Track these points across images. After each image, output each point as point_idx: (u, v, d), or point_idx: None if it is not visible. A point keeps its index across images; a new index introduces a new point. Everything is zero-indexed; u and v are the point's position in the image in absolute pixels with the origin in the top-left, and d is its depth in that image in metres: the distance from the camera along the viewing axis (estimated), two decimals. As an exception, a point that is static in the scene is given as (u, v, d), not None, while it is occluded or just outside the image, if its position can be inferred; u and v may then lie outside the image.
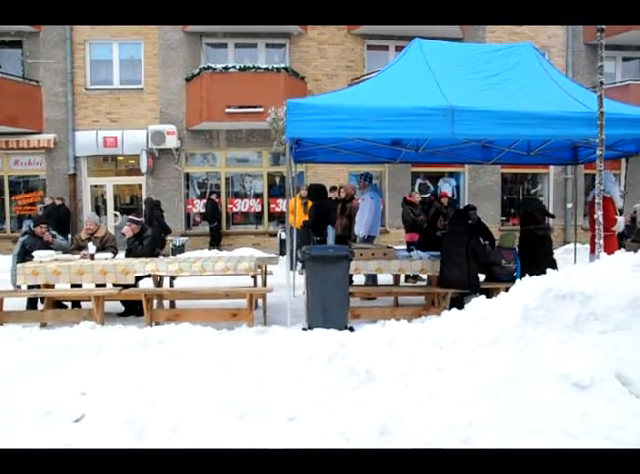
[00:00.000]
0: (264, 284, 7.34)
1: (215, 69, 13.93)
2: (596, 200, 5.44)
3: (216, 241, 14.36)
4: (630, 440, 3.06)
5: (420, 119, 5.59)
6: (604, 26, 5.25)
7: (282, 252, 12.16)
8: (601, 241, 5.27)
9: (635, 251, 4.49)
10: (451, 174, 16.42)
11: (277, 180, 15.62)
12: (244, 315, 6.22)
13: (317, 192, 9.47)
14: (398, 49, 13.89)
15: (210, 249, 13.58)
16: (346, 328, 5.51)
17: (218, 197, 15.02)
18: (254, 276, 7.14)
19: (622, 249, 6.18)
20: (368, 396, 3.27)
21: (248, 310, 6.23)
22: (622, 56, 16.96)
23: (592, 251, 7.01)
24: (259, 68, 13.98)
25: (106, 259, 6.85)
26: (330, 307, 5.58)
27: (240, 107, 13.83)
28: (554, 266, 6.38)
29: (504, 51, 7.03)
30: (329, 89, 13.53)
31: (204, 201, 14.87)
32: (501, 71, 6.53)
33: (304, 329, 5.53)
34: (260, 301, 7.06)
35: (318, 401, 3.25)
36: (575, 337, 3.68)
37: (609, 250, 6.26)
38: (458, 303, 6.02)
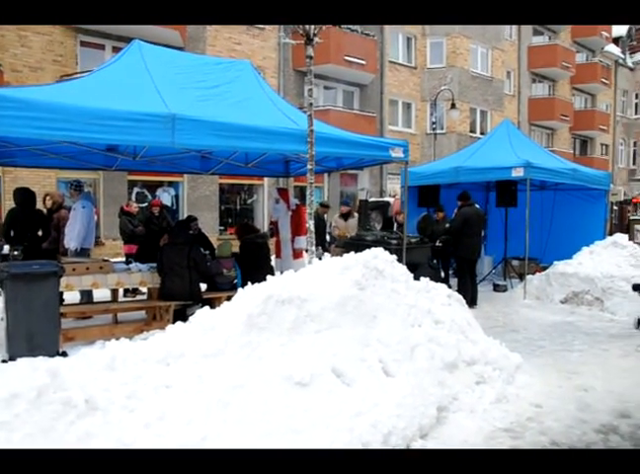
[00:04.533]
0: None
1: None
2: (307, 211, 5.95)
3: None
4: (344, 425, 3.40)
5: (137, 126, 5.24)
6: (313, 54, 5.79)
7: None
8: (313, 248, 5.77)
9: (340, 256, 5.04)
10: (170, 183, 16.24)
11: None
12: None
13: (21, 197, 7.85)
14: (115, 50, 13.09)
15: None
16: (58, 354, 4.88)
17: None
18: None
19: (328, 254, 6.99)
20: (90, 428, 2.91)
21: None
22: (324, 85, 19.42)
23: (277, 255, 8.34)
24: None
25: None
26: (38, 332, 4.86)
27: None
28: (272, 272, 6.79)
29: (224, 65, 7.23)
30: (33, 83, 11.98)
31: None
32: (221, 84, 6.67)
33: (4, 361, 4.72)
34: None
35: (28, 447, 2.76)
36: (295, 339, 3.92)
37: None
38: (181, 315, 5.91)
